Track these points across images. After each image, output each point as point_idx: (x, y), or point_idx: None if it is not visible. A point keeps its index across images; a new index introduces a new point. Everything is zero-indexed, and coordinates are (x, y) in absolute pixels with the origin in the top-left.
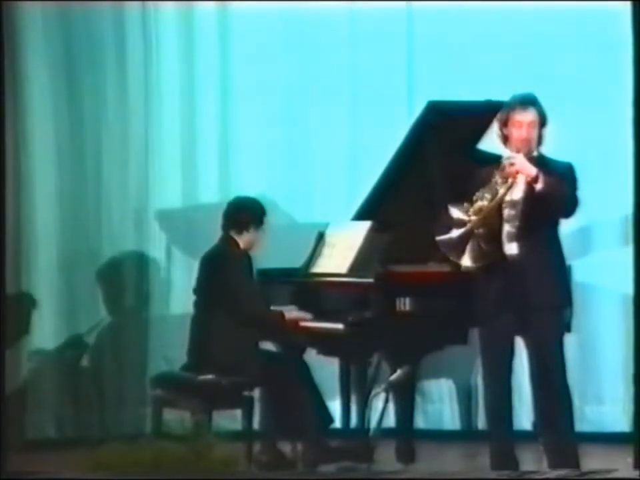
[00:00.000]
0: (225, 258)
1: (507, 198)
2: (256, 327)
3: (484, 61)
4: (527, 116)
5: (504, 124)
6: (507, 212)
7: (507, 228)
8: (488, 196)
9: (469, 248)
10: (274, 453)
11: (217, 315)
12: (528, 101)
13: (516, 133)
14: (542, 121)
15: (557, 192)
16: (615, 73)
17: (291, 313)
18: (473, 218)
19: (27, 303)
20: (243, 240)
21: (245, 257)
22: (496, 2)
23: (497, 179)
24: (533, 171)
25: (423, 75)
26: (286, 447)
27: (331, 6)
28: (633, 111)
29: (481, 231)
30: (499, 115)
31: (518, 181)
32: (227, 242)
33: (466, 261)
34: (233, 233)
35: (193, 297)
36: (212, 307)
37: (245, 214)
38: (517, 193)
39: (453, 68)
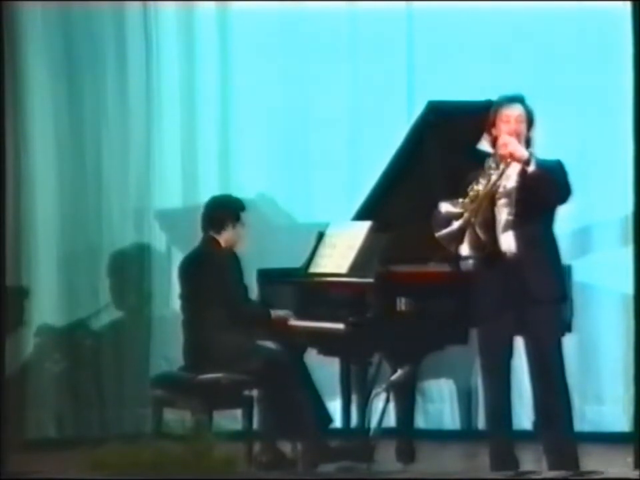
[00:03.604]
0: (210, 259)
1: (501, 189)
2: (247, 325)
3: (484, 61)
4: (514, 110)
5: (492, 124)
6: (501, 201)
7: (501, 217)
8: (482, 181)
9: (467, 238)
10: (274, 452)
11: (207, 317)
12: (515, 98)
13: (504, 128)
14: (529, 120)
15: (549, 175)
16: (615, 73)
17: (277, 312)
18: (469, 206)
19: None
20: (223, 239)
21: (229, 256)
22: (496, 3)
23: (490, 164)
24: (525, 153)
25: (423, 75)
26: (286, 447)
27: (330, 6)
28: (633, 112)
29: (477, 219)
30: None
31: (510, 171)
32: (208, 242)
33: (465, 251)
34: (212, 233)
35: (180, 302)
36: (202, 309)
37: (221, 212)
38: (511, 181)
39: (453, 68)
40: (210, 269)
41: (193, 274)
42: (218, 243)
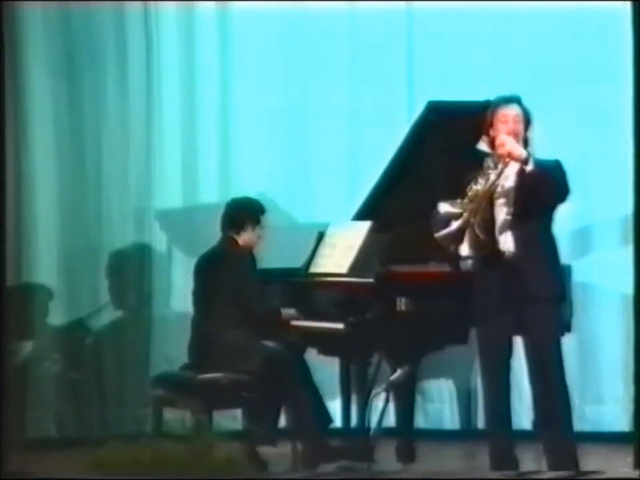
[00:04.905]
0: (228, 258)
1: (499, 188)
2: (262, 326)
3: (484, 60)
4: (512, 110)
5: (490, 124)
6: (499, 201)
7: (500, 217)
8: (481, 181)
9: (466, 238)
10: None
11: (220, 316)
12: (511, 98)
13: (502, 128)
14: (527, 120)
15: (547, 174)
16: (615, 72)
17: (286, 311)
18: (468, 207)
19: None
20: (241, 239)
21: (248, 256)
22: (496, 2)
23: (489, 164)
24: (523, 152)
25: (423, 75)
26: (286, 447)
27: (331, 6)
28: (633, 111)
29: (477, 219)
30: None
31: (509, 171)
32: (228, 242)
33: (464, 251)
34: (231, 233)
35: (192, 298)
36: (215, 307)
37: (241, 213)
38: (509, 181)
39: (453, 68)
40: (228, 269)
41: (209, 272)
42: (236, 243)
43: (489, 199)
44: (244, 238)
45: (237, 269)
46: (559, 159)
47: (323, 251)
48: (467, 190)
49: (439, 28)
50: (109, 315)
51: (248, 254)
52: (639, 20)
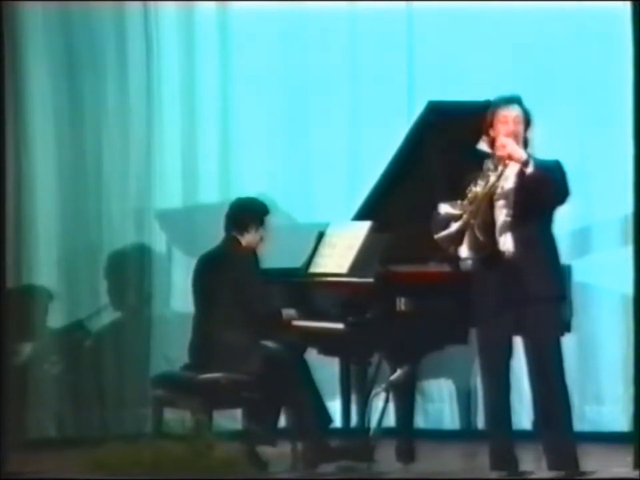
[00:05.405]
0: (231, 258)
1: (499, 190)
2: (263, 326)
3: (484, 61)
4: (512, 111)
5: (490, 125)
6: (499, 202)
7: (500, 219)
8: (481, 183)
9: (466, 240)
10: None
11: (221, 315)
12: (511, 99)
13: (502, 129)
14: (527, 121)
15: (547, 176)
16: (615, 73)
17: (286, 311)
18: (468, 208)
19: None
20: (245, 240)
21: (251, 256)
22: (496, 2)
23: (489, 165)
24: (523, 154)
25: (423, 75)
26: (286, 447)
27: (331, 6)
28: (633, 111)
29: (476, 221)
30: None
31: (508, 172)
32: (231, 242)
33: (464, 252)
34: (235, 233)
35: (193, 297)
36: (217, 307)
37: (246, 214)
38: (509, 183)
39: (453, 68)
40: (231, 269)
41: (212, 272)
42: (240, 243)
43: (488, 200)
44: (247, 238)
45: (240, 269)
46: (559, 160)
47: (323, 250)
48: (467, 191)
49: (439, 28)
50: (109, 315)
51: (251, 254)
52: (639, 20)
